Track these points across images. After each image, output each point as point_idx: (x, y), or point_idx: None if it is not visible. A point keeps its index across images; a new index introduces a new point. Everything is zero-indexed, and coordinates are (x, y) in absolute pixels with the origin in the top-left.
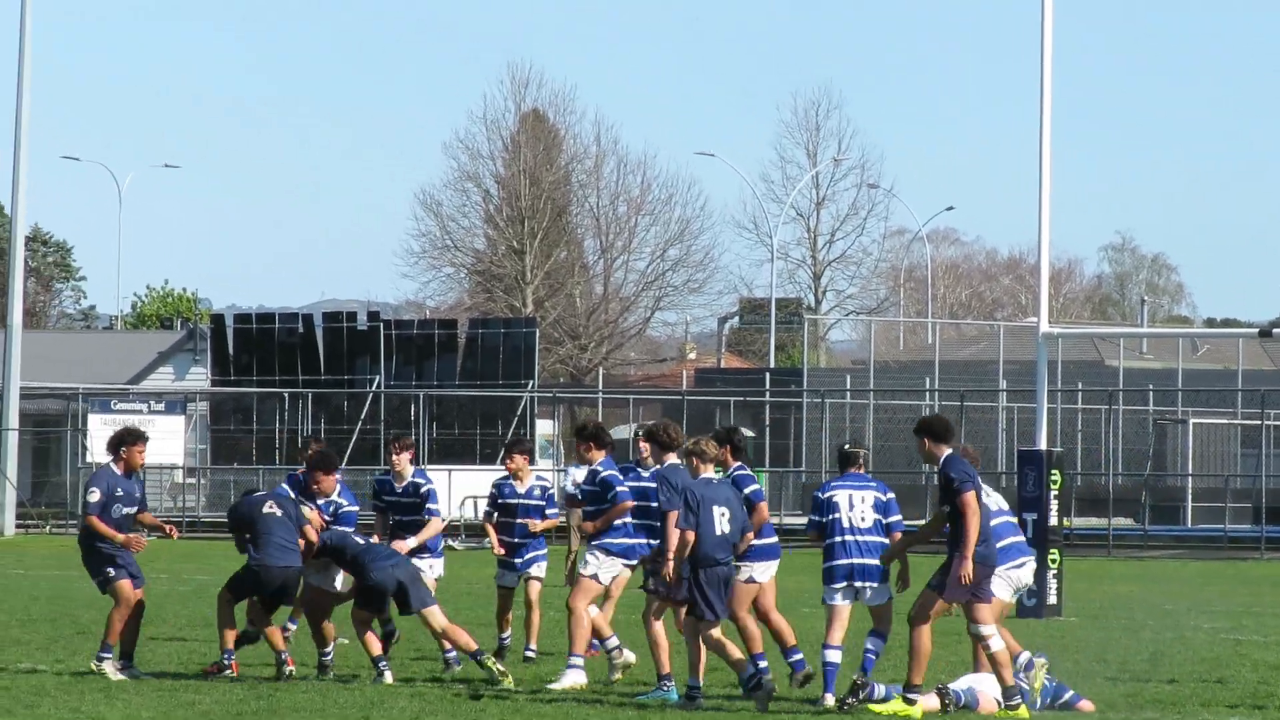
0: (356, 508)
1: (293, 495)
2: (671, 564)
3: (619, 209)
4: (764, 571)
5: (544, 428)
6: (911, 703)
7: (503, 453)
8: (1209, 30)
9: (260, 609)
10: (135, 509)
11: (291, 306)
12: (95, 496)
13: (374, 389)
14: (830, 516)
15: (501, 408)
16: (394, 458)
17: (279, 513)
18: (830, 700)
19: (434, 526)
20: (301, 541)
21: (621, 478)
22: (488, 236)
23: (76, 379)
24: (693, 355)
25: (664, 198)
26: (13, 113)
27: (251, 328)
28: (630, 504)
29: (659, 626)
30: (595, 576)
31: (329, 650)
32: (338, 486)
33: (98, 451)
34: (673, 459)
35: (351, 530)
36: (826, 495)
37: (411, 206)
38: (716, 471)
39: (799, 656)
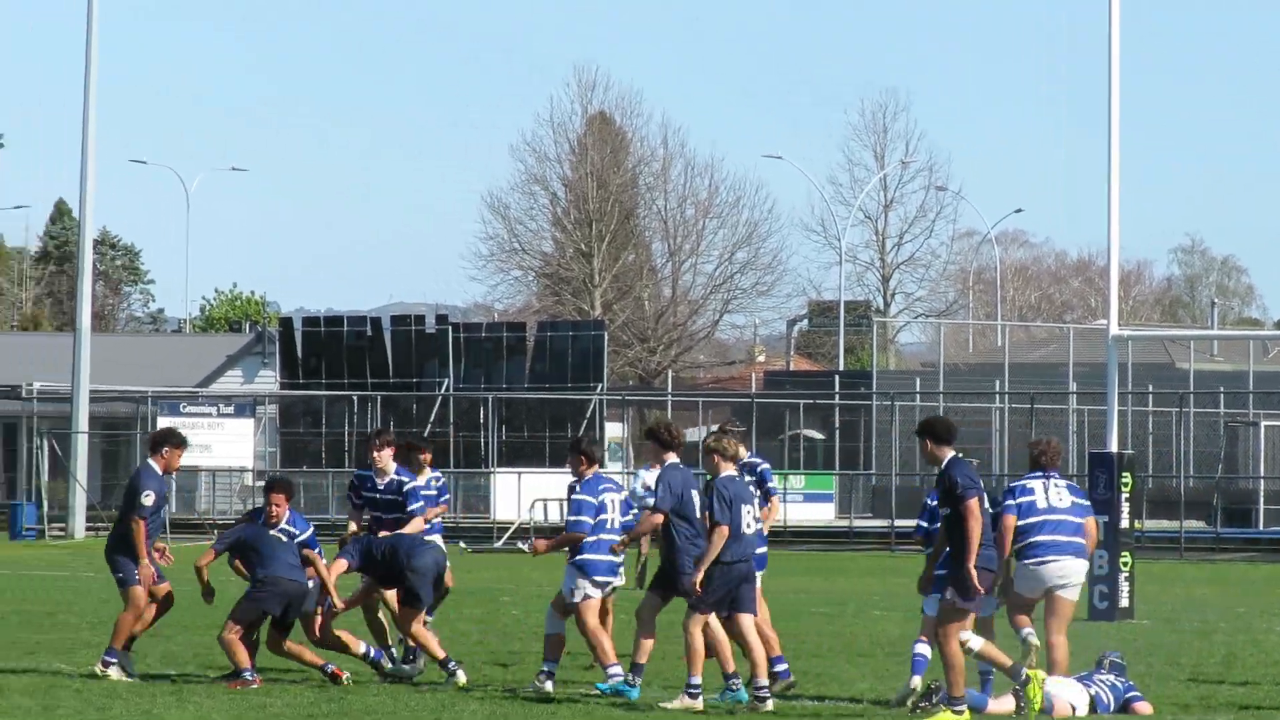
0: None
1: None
2: (701, 573)
3: (686, 212)
4: None
5: (613, 430)
6: (959, 711)
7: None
8: None
9: (276, 635)
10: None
11: (360, 310)
12: (150, 500)
13: (443, 392)
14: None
15: (570, 410)
16: (375, 454)
17: (283, 536)
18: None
19: (415, 525)
20: (309, 569)
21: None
22: (555, 239)
23: (145, 382)
24: (762, 358)
25: (731, 200)
26: (80, 116)
27: (320, 330)
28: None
29: (697, 632)
30: (586, 595)
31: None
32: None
33: None
34: (673, 458)
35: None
36: (935, 503)
37: (479, 209)
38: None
39: (783, 666)
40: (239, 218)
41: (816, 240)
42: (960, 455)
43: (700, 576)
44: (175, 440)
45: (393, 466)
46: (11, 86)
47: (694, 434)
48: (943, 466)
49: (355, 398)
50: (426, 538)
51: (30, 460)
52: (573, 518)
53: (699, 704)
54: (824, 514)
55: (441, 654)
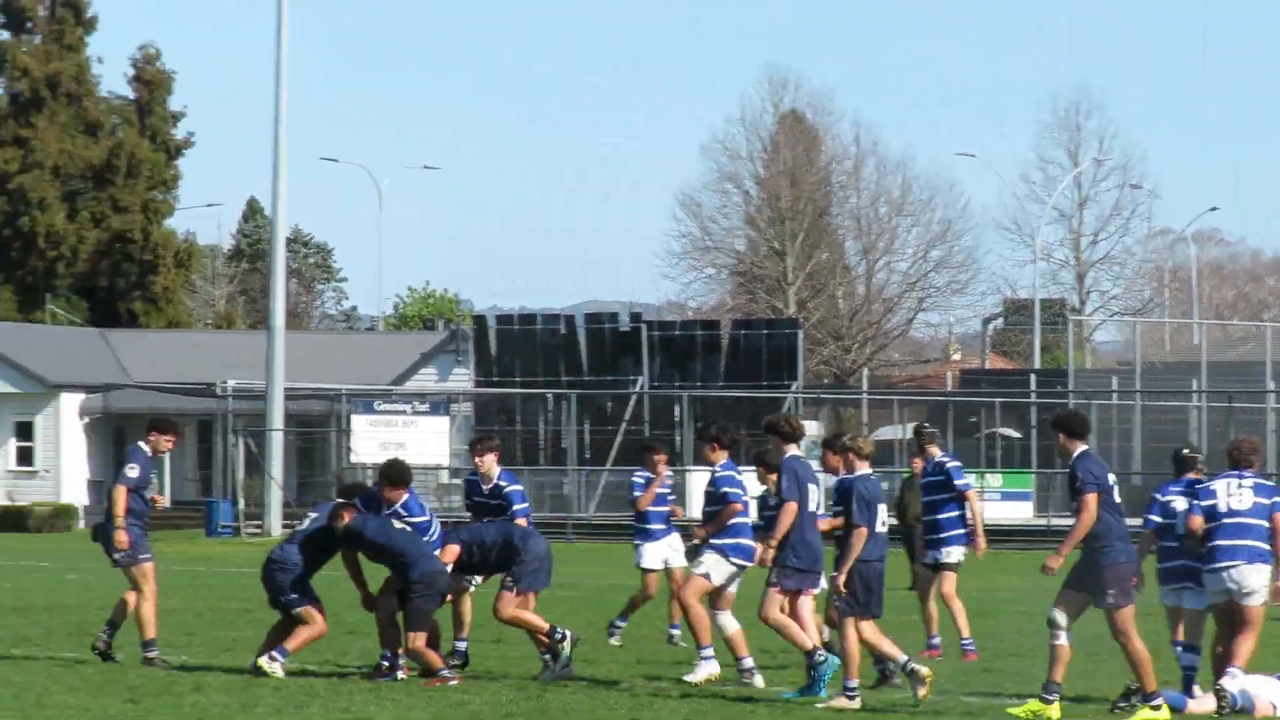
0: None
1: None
2: (844, 573)
3: (880, 210)
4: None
5: (809, 429)
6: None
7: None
8: None
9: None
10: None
11: (554, 307)
12: (135, 472)
13: (637, 390)
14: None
15: (765, 408)
16: (477, 460)
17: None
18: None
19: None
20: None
21: (739, 479)
22: (748, 237)
23: (339, 380)
24: (957, 356)
25: (924, 199)
26: (271, 115)
27: (513, 329)
28: (740, 506)
29: (775, 611)
30: (707, 575)
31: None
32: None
33: (362, 452)
34: (795, 450)
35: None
36: (1165, 498)
37: (671, 208)
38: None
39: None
40: (431, 215)
41: (1011, 238)
42: (1089, 450)
43: (844, 578)
44: (165, 426)
45: (496, 471)
46: (204, 85)
47: (889, 432)
48: (1071, 460)
49: (549, 395)
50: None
51: (225, 458)
52: (732, 490)
53: (856, 704)
54: (1022, 512)
55: (545, 625)
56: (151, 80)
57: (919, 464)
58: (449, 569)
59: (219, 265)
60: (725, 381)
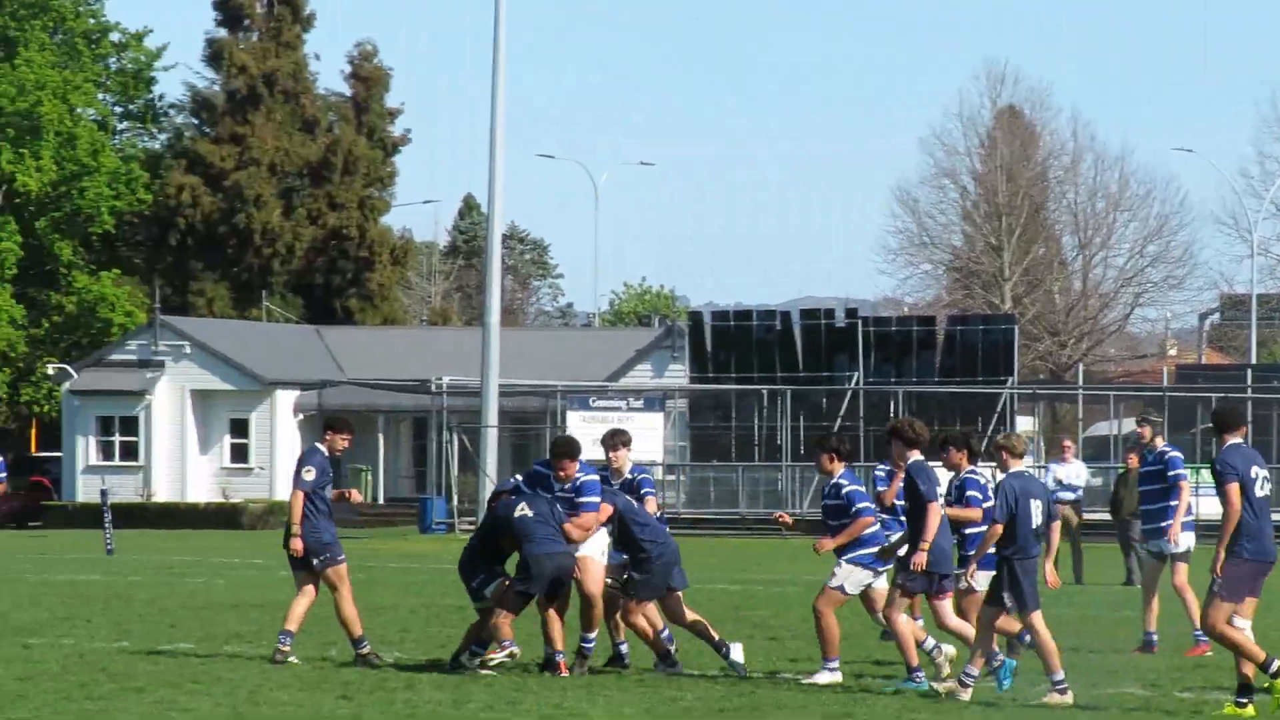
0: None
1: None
2: (923, 554)
3: (1097, 205)
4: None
5: (1024, 424)
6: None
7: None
8: None
9: (546, 605)
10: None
11: (769, 304)
12: (311, 474)
13: (852, 386)
14: None
15: (981, 404)
16: (610, 454)
17: (530, 513)
18: None
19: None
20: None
21: (863, 490)
22: (965, 233)
23: (554, 376)
24: (1173, 351)
25: (1142, 194)
26: (488, 111)
27: (729, 325)
28: (870, 520)
29: (902, 619)
30: (841, 588)
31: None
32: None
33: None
34: (917, 455)
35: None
36: None
37: (888, 203)
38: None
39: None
40: (647, 211)
41: (1228, 233)
42: (1238, 443)
43: (922, 558)
44: (340, 426)
45: (628, 465)
46: (421, 82)
47: (1104, 428)
48: (1219, 453)
49: (765, 392)
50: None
51: (440, 454)
52: (863, 504)
53: (1069, 698)
54: None
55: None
56: (368, 77)
57: (1134, 459)
58: (577, 550)
59: (435, 262)
60: (940, 378)
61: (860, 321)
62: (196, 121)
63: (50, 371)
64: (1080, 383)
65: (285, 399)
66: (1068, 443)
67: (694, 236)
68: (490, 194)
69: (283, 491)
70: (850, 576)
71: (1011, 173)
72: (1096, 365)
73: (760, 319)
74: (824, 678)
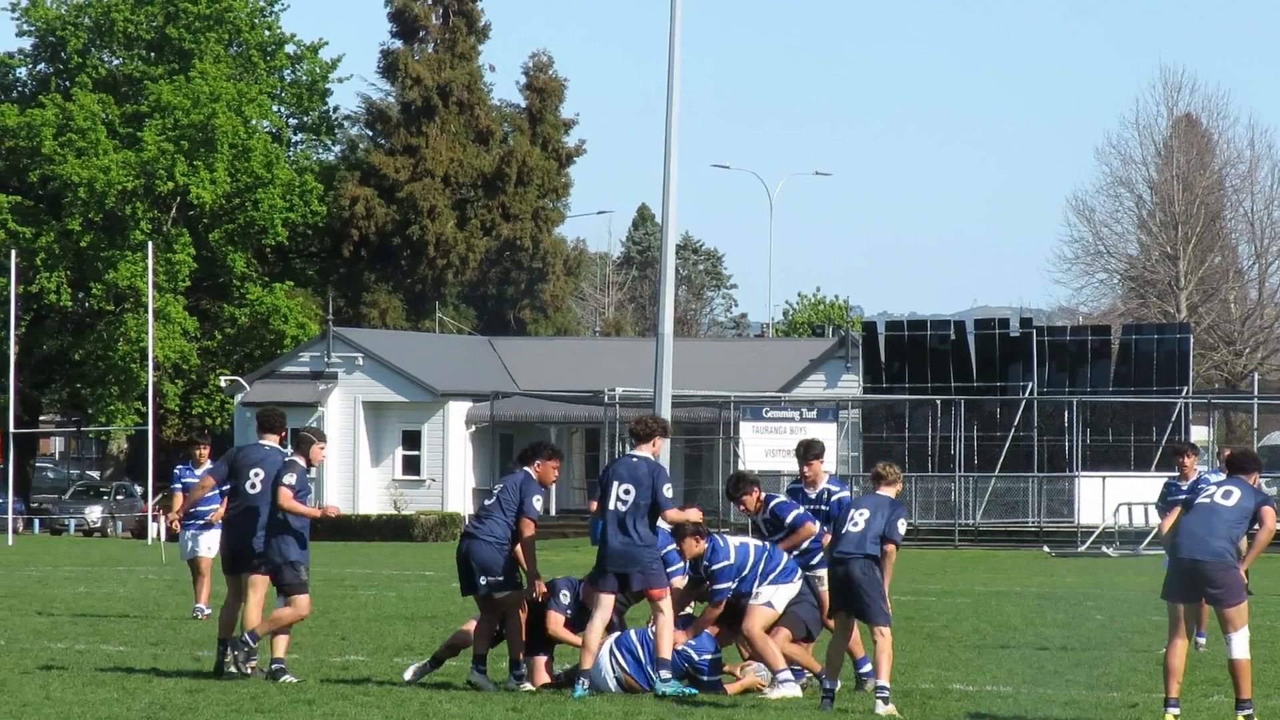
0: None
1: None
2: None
3: (1273, 213)
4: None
5: (1198, 434)
6: None
7: None
8: None
9: None
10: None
11: (943, 313)
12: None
13: (1026, 395)
14: None
15: (1156, 414)
16: (806, 468)
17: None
18: None
19: (798, 534)
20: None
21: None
22: (1140, 242)
23: (728, 387)
24: None
25: None
26: (662, 122)
27: (903, 334)
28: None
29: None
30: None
31: None
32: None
33: (749, 459)
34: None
35: None
36: None
37: (1064, 213)
38: None
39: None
40: (822, 221)
41: None
42: None
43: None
44: (547, 453)
45: (825, 478)
46: (596, 93)
47: (1276, 438)
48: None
49: (938, 402)
50: None
51: None
52: None
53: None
54: None
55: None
56: (543, 88)
57: None
58: None
59: (608, 272)
60: (1115, 387)
61: (1035, 331)
62: (371, 133)
63: (223, 384)
64: (1255, 392)
65: (457, 410)
66: (1228, 452)
67: (868, 246)
68: (664, 204)
69: (454, 503)
70: (776, 593)
71: (1188, 181)
72: (1272, 374)
73: (934, 329)
74: (784, 690)
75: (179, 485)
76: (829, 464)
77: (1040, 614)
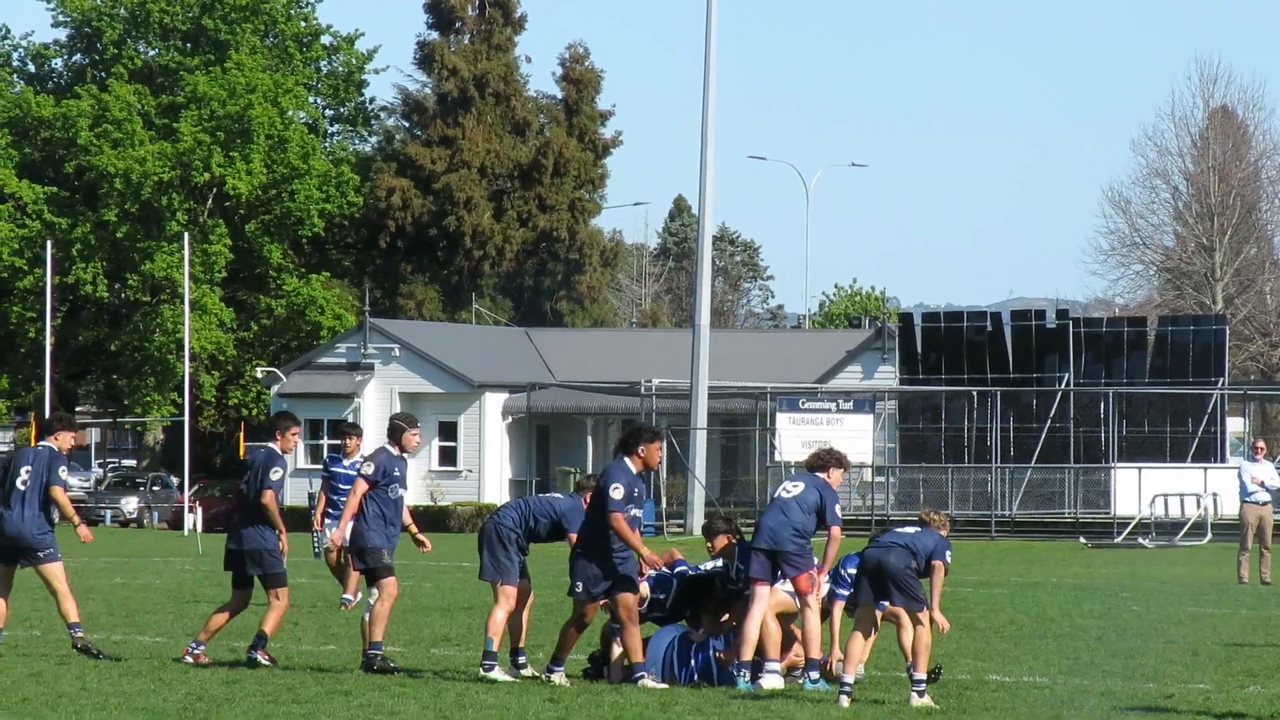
0: None
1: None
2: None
3: None
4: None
5: (1234, 425)
6: None
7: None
8: None
9: None
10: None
11: (979, 305)
12: (620, 493)
13: (1063, 387)
14: None
15: (1191, 406)
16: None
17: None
18: None
19: None
20: None
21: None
22: (1176, 233)
23: (764, 378)
24: None
25: None
26: (699, 113)
27: (939, 326)
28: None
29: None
30: None
31: None
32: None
33: (786, 450)
34: None
35: None
36: None
37: (1100, 204)
38: None
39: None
40: (859, 213)
41: None
42: None
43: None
44: (649, 436)
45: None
46: (632, 84)
47: None
48: None
49: (974, 393)
50: None
51: None
52: None
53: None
54: None
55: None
56: (580, 79)
57: None
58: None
59: (645, 264)
60: (1150, 378)
61: (1071, 323)
62: (407, 124)
63: (259, 374)
64: None
65: (494, 401)
66: (1260, 443)
67: (906, 237)
68: (701, 196)
69: (490, 494)
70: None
71: (1224, 173)
72: None
73: (970, 320)
74: (768, 681)
75: (328, 474)
76: (864, 455)
77: (1076, 605)
